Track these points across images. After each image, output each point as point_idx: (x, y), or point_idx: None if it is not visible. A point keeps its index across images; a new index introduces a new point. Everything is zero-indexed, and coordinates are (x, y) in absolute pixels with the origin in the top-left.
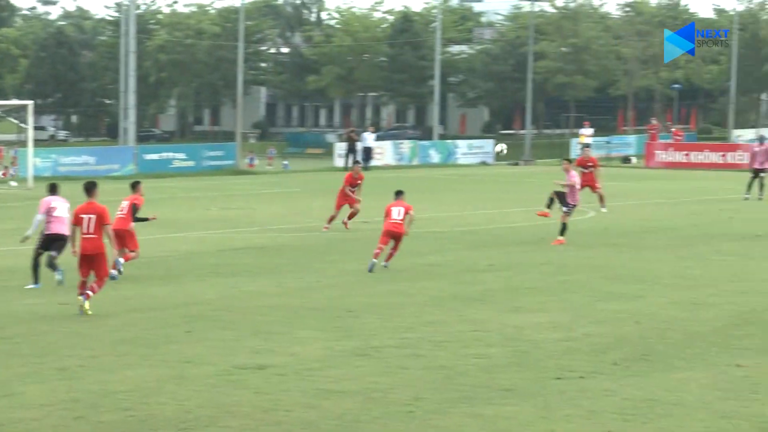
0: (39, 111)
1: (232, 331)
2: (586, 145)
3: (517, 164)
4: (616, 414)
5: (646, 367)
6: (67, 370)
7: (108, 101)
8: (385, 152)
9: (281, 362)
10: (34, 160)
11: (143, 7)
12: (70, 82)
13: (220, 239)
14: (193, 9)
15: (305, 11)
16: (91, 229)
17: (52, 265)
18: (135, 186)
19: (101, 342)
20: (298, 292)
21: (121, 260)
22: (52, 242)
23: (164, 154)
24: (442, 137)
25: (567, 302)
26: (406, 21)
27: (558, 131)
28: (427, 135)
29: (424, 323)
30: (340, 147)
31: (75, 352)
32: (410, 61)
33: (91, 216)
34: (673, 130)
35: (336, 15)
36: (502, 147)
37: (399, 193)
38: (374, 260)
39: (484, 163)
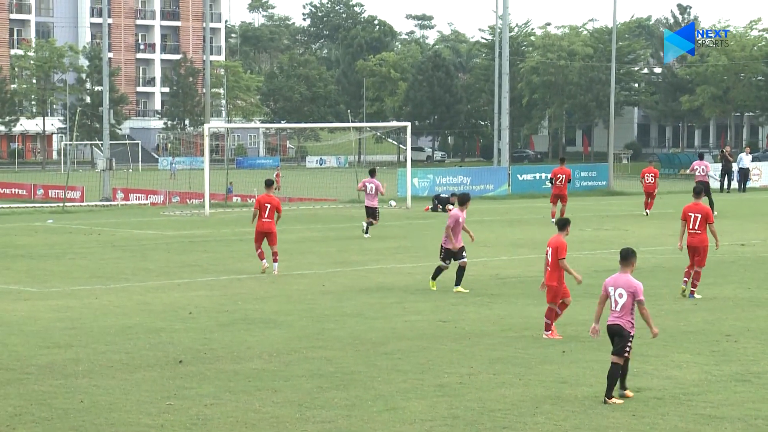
0: (416, 132)
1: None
2: None
3: None
4: None
5: None
6: (446, 387)
7: (482, 122)
8: (762, 174)
9: (658, 385)
10: (412, 180)
11: (516, 29)
12: (446, 104)
13: (593, 260)
14: (566, 30)
15: None
16: (696, 226)
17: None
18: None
19: (478, 360)
20: (674, 315)
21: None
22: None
23: (537, 175)
24: None
25: None
26: None
27: None
28: None
29: None
30: (716, 168)
31: (453, 369)
32: None
33: (698, 215)
34: None
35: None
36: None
37: None
38: None
39: None
